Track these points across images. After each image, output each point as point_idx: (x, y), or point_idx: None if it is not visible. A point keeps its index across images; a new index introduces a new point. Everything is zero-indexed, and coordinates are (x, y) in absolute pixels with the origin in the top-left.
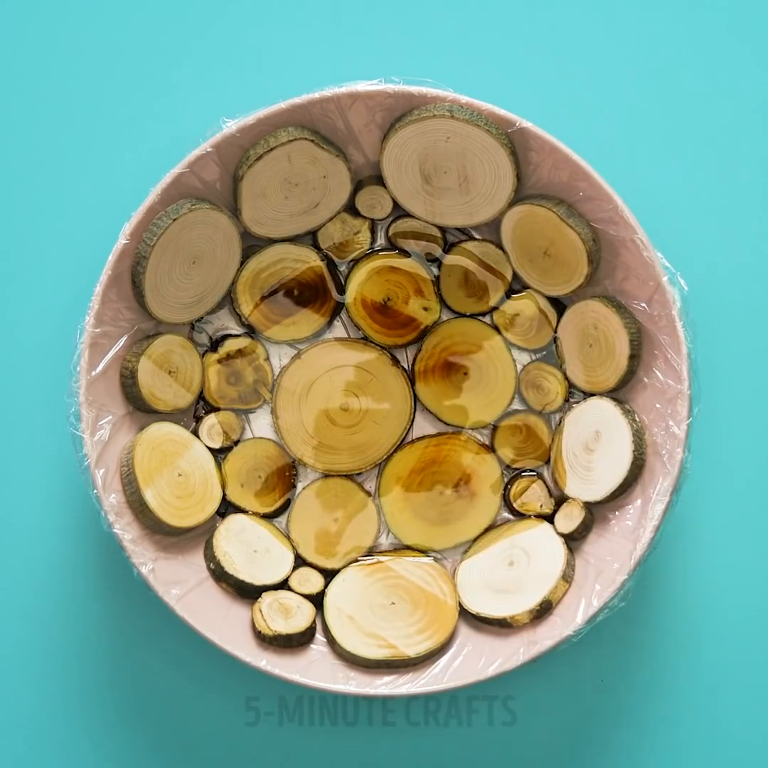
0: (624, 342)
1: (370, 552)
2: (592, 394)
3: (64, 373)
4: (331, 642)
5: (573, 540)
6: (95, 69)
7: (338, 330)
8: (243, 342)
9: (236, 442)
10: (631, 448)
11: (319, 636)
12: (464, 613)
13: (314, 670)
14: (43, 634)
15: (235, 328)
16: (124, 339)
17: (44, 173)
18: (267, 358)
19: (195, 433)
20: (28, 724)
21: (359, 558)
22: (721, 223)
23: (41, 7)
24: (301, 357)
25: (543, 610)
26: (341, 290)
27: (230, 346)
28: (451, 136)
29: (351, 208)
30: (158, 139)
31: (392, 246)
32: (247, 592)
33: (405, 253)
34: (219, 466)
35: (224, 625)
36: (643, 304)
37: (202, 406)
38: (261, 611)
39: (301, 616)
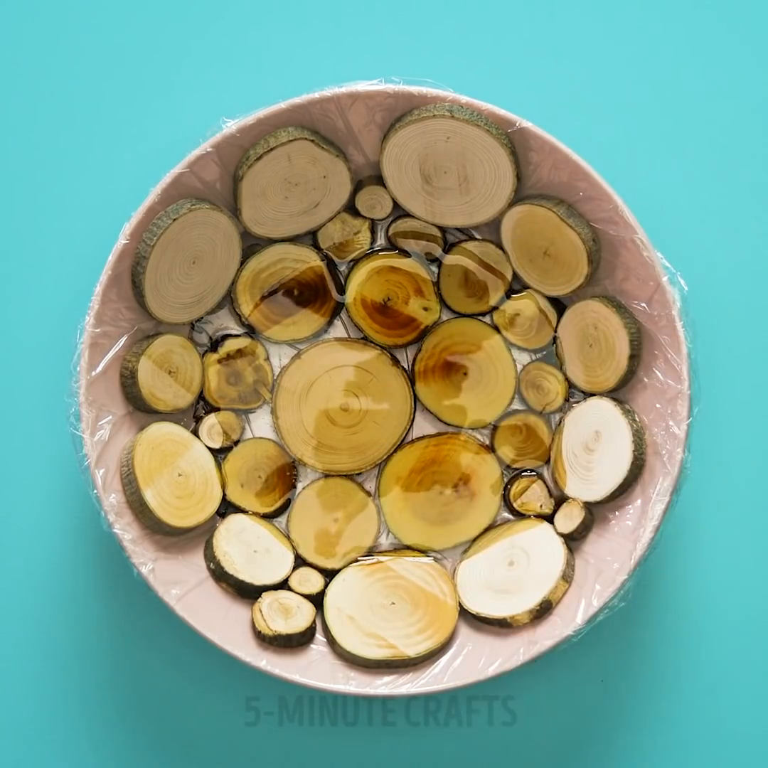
0: (624, 342)
1: (370, 552)
2: (592, 394)
3: (64, 373)
4: (331, 642)
5: (573, 540)
6: (95, 69)
7: (338, 330)
8: (243, 342)
9: (236, 442)
10: (631, 448)
11: (319, 636)
12: (464, 613)
13: (314, 670)
14: (43, 634)
15: (235, 328)
16: (124, 339)
17: (44, 173)
18: (267, 358)
19: (195, 433)
20: (28, 724)
21: (359, 558)
22: (721, 223)
23: (41, 7)
24: (301, 357)
25: (543, 610)
26: (341, 290)
27: (230, 346)
28: (451, 136)
29: (351, 208)
30: (158, 139)
31: (392, 246)
32: (247, 592)
33: (405, 253)
34: (219, 466)
35: (224, 625)
36: (643, 304)
37: (202, 406)
38: (261, 611)
39: (301, 616)
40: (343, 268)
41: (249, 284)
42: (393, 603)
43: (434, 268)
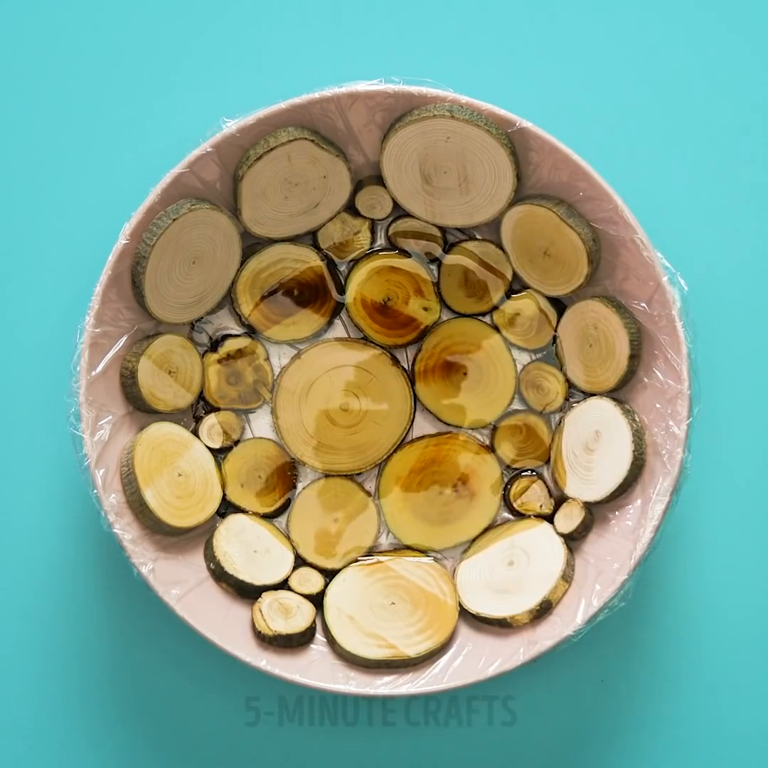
0: (624, 342)
1: (370, 552)
2: (592, 394)
3: (64, 373)
4: (331, 642)
5: (573, 540)
6: (95, 69)
7: (338, 330)
8: (243, 342)
9: (236, 442)
10: (631, 448)
11: (319, 636)
12: (464, 613)
13: (314, 670)
14: (43, 634)
15: (235, 328)
16: (124, 339)
17: (44, 173)
18: (267, 358)
19: (195, 433)
20: (28, 724)
21: (359, 558)
22: (721, 223)
23: (41, 7)
24: (301, 357)
25: (543, 610)
26: (341, 290)
27: (230, 346)
28: (451, 136)
29: (351, 208)
30: (158, 139)
31: (392, 246)
32: (247, 592)
33: (405, 253)
34: (219, 466)
35: (224, 625)
36: (643, 304)
37: (202, 406)
38: (261, 611)
39: (301, 616)
40: (343, 268)
41: (249, 284)
42: (393, 603)
43: (434, 268)
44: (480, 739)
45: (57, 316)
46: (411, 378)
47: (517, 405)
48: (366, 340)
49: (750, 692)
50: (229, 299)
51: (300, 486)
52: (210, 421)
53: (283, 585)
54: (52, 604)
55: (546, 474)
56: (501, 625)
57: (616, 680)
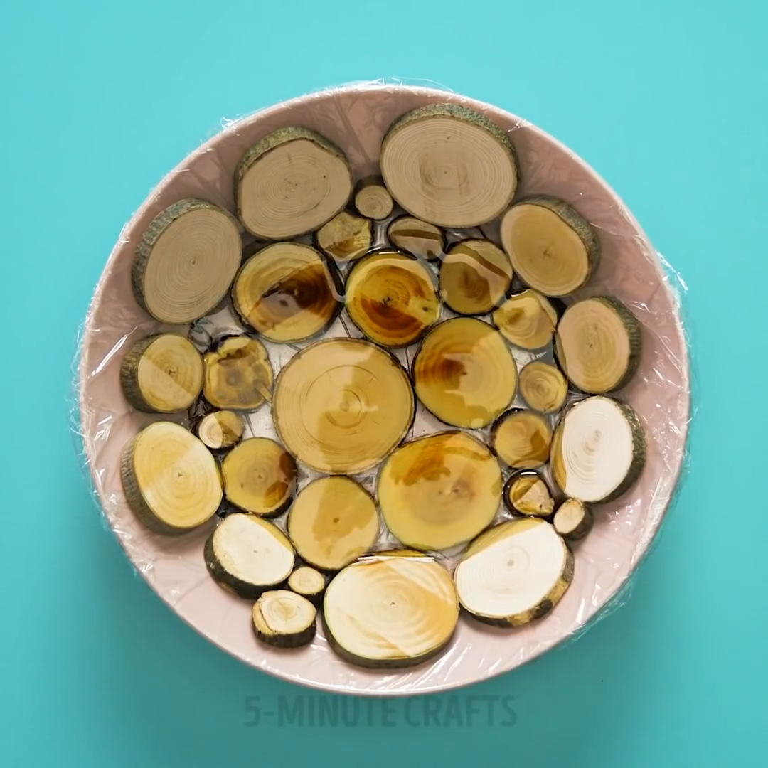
0: (624, 342)
1: (370, 552)
2: (592, 394)
3: (64, 373)
4: (331, 642)
5: (573, 540)
6: (95, 69)
7: (338, 330)
8: (243, 342)
9: (236, 442)
10: (631, 448)
11: (319, 636)
12: (464, 613)
13: (314, 670)
14: (43, 634)
15: (235, 328)
16: (124, 339)
17: (44, 173)
18: (267, 358)
19: (195, 433)
20: (28, 724)
21: (359, 558)
22: (721, 223)
23: (41, 7)
24: (301, 357)
25: (543, 610)
26: (341, 290)
27: (230, 346)
28: (451, 136)
29: (351, 208)
30: (158, 139)
31: (392, 246)
32: (247, 592)
33: (405, 253)
34: (219, 466)
35: (224, 625)
36: (643, 304)
37: (202, 406)
38: (261, 611)
39: (301, 616)
40: (343, 268)
41: (249, 284)
42: (393, 603)
43: (434, 268)
44: (480, 739)
45: (57, 316)
46: (411, 378)
47: (517, 405)
48: (366, 340)
49: (750, 692)
50: (229, 299)
51: (300, 486)
52: (210, 421)
53: (283, 585)
54: (52, 604)
55: (546, 474)
56: (501, 625)
57: (616, 680)
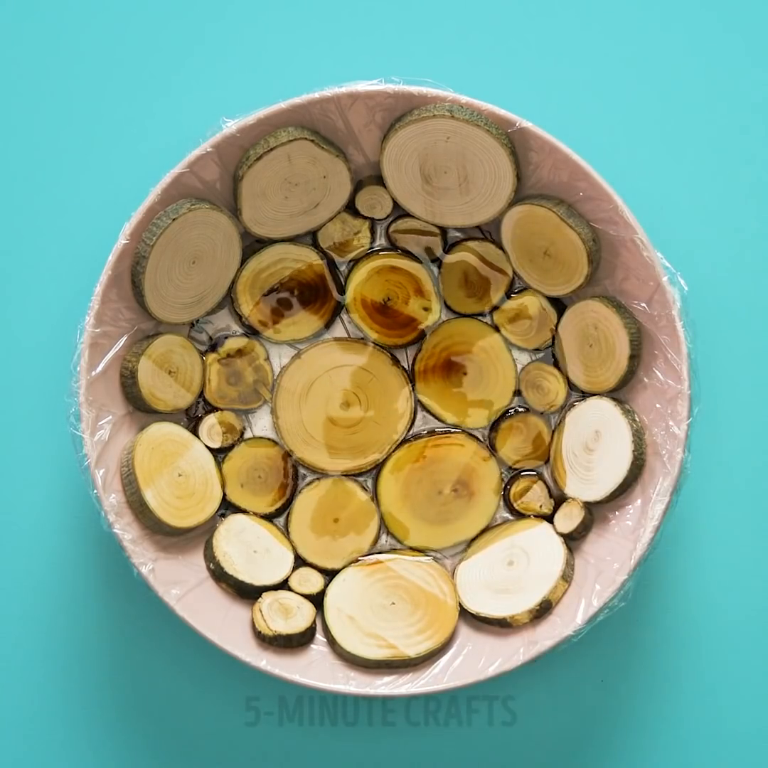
0: (624, 342)
1: (370, 552)
2: (592, 394)
3: (64, 373)
4: (331, 642)
5: (573, 540)
6: (95, 69)
7: (338, 330)
8: (243, 342)
9: (236, 442)
10: (631, 448)
11: (319, 636)
12: (464, 613)
13: (314, 670)
14: (43, 634)
15: (235, 328)
16: (124, 339)
17: (44, 173)
18: (267, 358)
19: (194, 432)
20: (28, 724)
21: (359, 558)
22: (721, 223)
23: (41, 7)
24: (301, 357)
25: (543, 610)
26: (341, 290)
27: (230, 346)
28: (451, 136)
29: (351, 208)
30: (158, 139)
31: (392, 246)
32: (247, 593)
33: (405, 253)
34: (219, 466)
35: (224, 625)
36: (643, 304)
37: (203, 406)
38: (261, 611)
39: (301, 616)
40: (343, 268)
41: (249, 284)
42: (393, 603)
43: (435, 268)
44: (480, 739)
45: (57, 316)
46: (411, 378)
47: (517, 405)
48: (366, 340)
49: (750, 692)
50: (229, 299)
51: (300, 486)
52: (210, 421)
53: (283, 585)
54: (52, 604)
55: (546, 474)
56: (501, 625)
57: (616, 680)
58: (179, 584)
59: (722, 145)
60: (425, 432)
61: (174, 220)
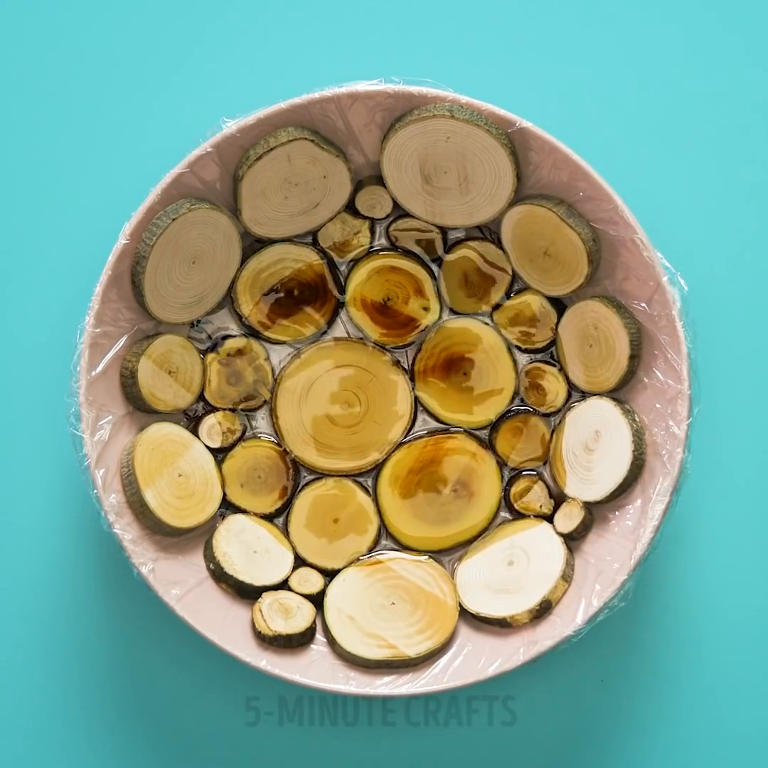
0: (624, 342)
1: (370, 552)
2: (592, 394)
3: (64, 373)
4: (331, 642)
5: (573, 540)
6: (95, 69)
7: (338, 330)
8: (243, 342)
9: (236, 442)
10: (631, 448)
11: (319, 636)
12: (464, 613)
13: (314, 670)
14: (43, 634)
15: (235, 328)
16: (124, 339)
17: (44, 173)
18: (267, 358)
19: (194, 433)
20: (28, 724)
21: (359, 558)
22: (721, 223)
23: (41, 7)
24: (301, 357)
25: (543, 610)
26: (341, 290)
27: (230, 346)
28: (451, 136)
29: (351, 208)
30: (158, 139)
31: (392, 246)
32: (247, 593)
33: (405, 253)
34: (219, 466)
35: (224, 625)
36: (643, 304)
37: (203, 406)
38: (261, 611)
39: (301, 616)
40: (343, 268)
41: (249, 284)
42: (393, 603)
43: (435, 268)
44: (480, 739)
45: (57, 316)
46: (411, 378)
47: (517, 405)
48: (366, 340)
49: (750, 692)
50: (229, 299)
51: (300, 486)
52: (210, 421)
53: (283, 585)
54: (52, 604)
55: (546, 474)
56: (501, 625)
57: (616, 680)
58: (179, 584)
59: (722, 145)
60: (425, 432)
61: (174, 220)
